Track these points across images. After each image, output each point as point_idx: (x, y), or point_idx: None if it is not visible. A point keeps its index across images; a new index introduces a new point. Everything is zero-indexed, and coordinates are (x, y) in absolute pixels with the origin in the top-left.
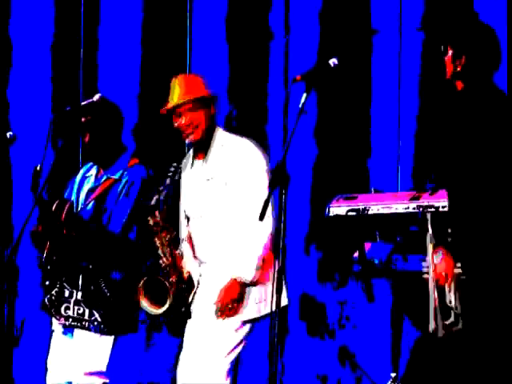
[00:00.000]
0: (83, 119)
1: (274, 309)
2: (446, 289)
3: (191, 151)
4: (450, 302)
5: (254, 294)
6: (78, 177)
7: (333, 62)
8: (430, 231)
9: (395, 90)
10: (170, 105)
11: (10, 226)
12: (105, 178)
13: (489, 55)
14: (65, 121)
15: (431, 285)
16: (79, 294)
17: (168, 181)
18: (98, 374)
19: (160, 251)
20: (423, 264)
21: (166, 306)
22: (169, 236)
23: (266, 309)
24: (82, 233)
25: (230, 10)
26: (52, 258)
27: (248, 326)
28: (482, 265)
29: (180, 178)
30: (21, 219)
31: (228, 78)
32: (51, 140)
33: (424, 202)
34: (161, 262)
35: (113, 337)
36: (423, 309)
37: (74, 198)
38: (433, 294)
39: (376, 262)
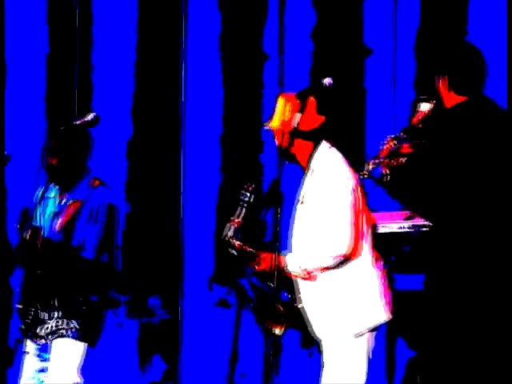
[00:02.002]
0: (52, 142)
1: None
2: None
3: None
4: None
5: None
6: (39, 198)
7: (327, 81)
8: None
9: (390, 109)
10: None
11: (6, 246)
12: (70, 201)
13: (469, 75)
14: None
15: None
16: (59, 313)
17: (243, 211)
18: (70, 374)
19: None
20: None
21: (283, 328)
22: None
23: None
24: (58, 259)
25: (223, 29)
26: (29, 283)
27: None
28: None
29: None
30: (16, 238)
31: (222, 97)
32: (45, 161)
33: (418, 221)
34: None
35: (86, 344)
36: (417, 328)
37: (38, 220)
38: None
39: None
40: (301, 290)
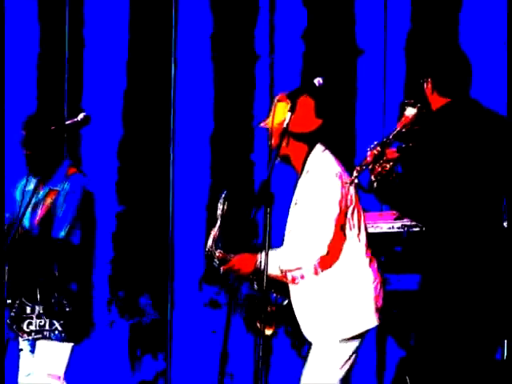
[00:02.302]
0: (24, 134)
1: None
2: None
3: None
4: None
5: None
6: (18, 193)
7: (318, 81)
8: None
9: (380, 109)
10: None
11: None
12: (47, 190)
13: (455, 77)
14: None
15: None
16: (41, 307)
17: (219, 221)
18: (56, 377)
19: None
20: None
21: (273, 330)
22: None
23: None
24: (38, 251)
25: (215, 29)
26: (13, 276)
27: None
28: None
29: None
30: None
31: (213, 97)
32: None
33: (408, 221)
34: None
35: (71, 344)
36: (407, 328)
37: (19, 214)
38: None
39: None
40: (291, 290)
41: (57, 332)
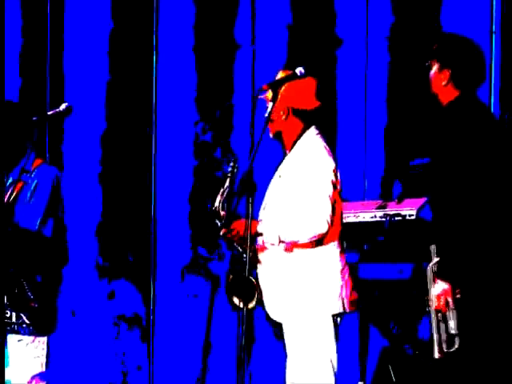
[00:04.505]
0: None
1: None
2: (447, 316)
3: None
4: (452, 328)
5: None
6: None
7: (299, 71)
8: (433, 261)
9: (362, 98)
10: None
11: None
12: (10, 180)
13: (473, 70)
14: (31, 130)
15: (432, 314)
16: (5, 298)
17: (227, 182)
18: (38, 376)
19: (239, 248)
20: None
21: (254, 301)
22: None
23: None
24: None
25: (197, 19)
26: None
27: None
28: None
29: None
30: None
31: (196, 87)
32: None
33: (391, 210)
34: (244, 256)
35: (45, 338)
36: (389, 317)
37: None
38: (434, 324)
39: None
40: (263, 271)
41: (24, 326)
